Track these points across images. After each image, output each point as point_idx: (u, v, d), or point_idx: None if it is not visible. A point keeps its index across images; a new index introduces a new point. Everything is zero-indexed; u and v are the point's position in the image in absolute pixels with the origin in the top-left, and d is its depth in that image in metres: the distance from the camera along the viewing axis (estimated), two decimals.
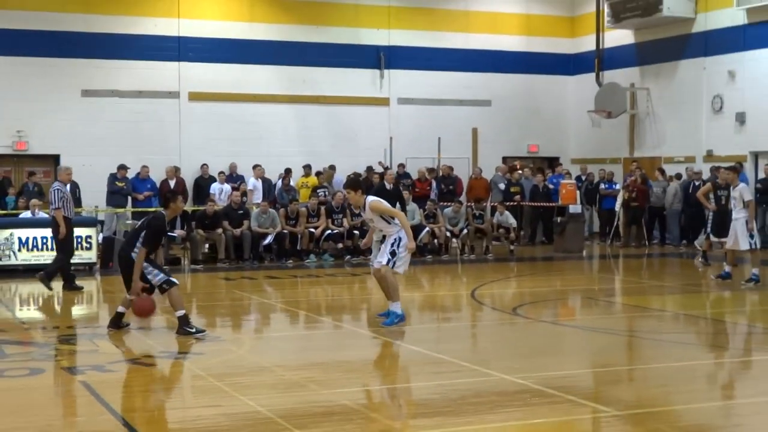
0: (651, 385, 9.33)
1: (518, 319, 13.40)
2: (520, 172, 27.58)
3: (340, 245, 22.02)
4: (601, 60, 29.92)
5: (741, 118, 25.56)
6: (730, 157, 25.27)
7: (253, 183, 25.10)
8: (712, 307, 14.68)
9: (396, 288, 12.38)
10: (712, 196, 18.43)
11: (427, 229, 22.52)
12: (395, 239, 12.27)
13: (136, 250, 11.49)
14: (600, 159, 29.51)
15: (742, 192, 17.07)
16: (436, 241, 23.07)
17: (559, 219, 24.69)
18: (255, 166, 25.41)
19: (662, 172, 26.27)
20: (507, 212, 24.31)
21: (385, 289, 12.49)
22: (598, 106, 28.65)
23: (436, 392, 8.92)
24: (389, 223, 12.37)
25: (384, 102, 28.83)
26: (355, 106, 28.37)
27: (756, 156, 25.41)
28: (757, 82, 25.08)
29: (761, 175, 24.57)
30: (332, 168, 26.27)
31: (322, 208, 22.39)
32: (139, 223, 12.19)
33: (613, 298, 15.76)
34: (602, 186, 27.23)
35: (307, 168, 25.72)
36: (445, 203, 24.53)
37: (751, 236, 16.82)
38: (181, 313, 11.49)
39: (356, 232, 21.99)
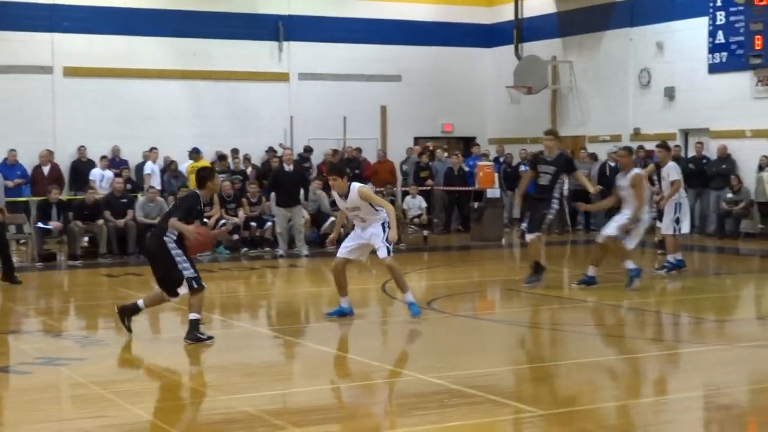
0: (577, 382, 9.52)
1: (433, 313, 13.52)
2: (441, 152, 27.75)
3: (236, 237, 21.91)
4: (520, 31, 30.26)
5: (670, 93, 26.11)
6: (659, 135, 25.77)
7: (150, 167, 24.86)
8: (638, 297, 14.99)
9: (403, 276, 12.95)
10: (656, 177, 18.73)
11: (332, 218, 22.57)
12: (382, 225, 12.53)
13: (169, 234, 11.23)
14: (520, 138, 29.85)
15: (670, 171, 17.24)
16: (343, 230, 23.06)
17: (476, 204, 24.86)
18: (152, 149, 25.24)
19: (594, 155, 26.71)
20: (420, 197, 24.50)
21: (396, 280, 12.79)
22: (518, 81, 28.97)
23: (347, 395, 8.98)
24: (375, 210, 12.59)
25: (284, 77, 28.74)
26: (252, 82, 28.25)
27: (686, 134, 26.00)
28: (687, 54, 25.63)
29: (691, 153, 25.14)
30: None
31: (215, 195, 22.20)
32: (171, 207, 11.94)
33: (535, 289, 15.97)
34: (522, 168, 27.56)
35: (196, 152, 25.53)
36: None
37: (677, 221, 17.06)
38: (194, 317, 11.32)
39: (253, 223, 21.91)
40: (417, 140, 29.94)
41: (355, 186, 12.56)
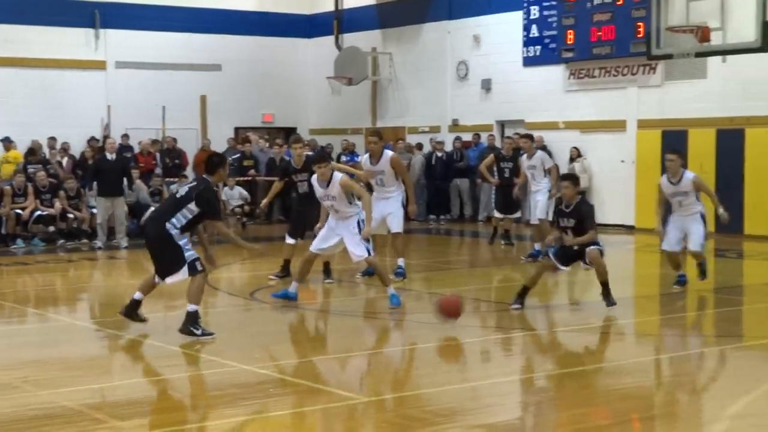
0: (400, 368, 9.68)
1: (256, 304, 13.50)
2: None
3: (52, 228, 21.33)
4: (340, 22, 30.42)
5: (486, 86, 26.70)
6: (476, 127, 26.42)
7: None
8: (463, 284, 15.29)
9: (386, 272, 13.17)
10: (495, 169, 19.10)
11: (153, 208, 22.22)
12: (357, 223, 12.56)
13: (173, 222, 10.65)
14: (341, 129, 30.04)
15: (543, 159, 17.57)
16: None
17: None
18: None
19: (420, 145, 27.06)
20: (238, 187, 24.42)
21: (380, 276, 12.83)
22: (338, 72, 29.11)
23: (172, 387, 8.89)
24: (350, 203, 12.58)
25: (100, 65, 28.14)
26: (67, 70, 27.54)
27: (502, 125, 26.63)
28: (503, 48, 26.24)
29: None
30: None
31: (30, 186, 21.56)
32: (178, 193, 11.05)
33: (356, 277, 16.11)
34: (343, 158, 27.73)
35: (7, 141, 24.68)
36: (171, 179, 24.25)
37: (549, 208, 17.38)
38: (193, 308, 10.75)
39: (70, 215, 21.36)
40: (237, 130, 29.78)
41: (337, 176, 12.57)
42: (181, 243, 10.69)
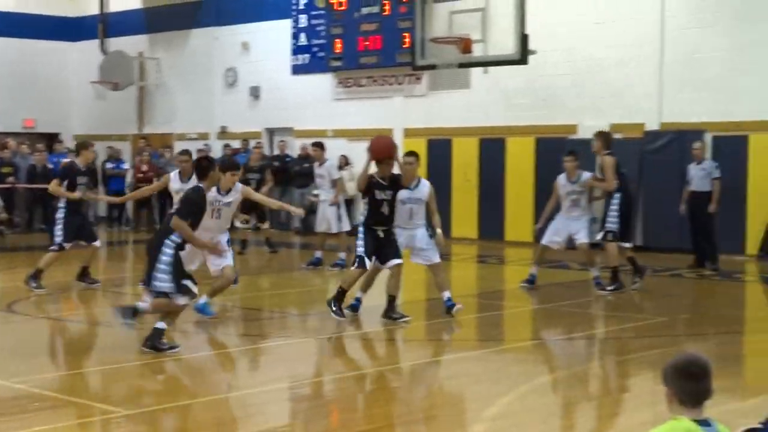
0: (162, 380, 9.52)
1: (15, 316, 13.02)
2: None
3: None
4: (106, 26, 29.77)
5: (255, 93, 26.66)
6: (245, 134, 26.35)
7: None
8: (228, 293, 15.19)
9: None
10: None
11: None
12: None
13: (171, 238, 9.94)
14: (106, 135, 29.34)
15: (330, 170, 17.54)
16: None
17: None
18: None
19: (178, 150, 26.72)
20: None
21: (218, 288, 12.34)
22: (103, 77, 28.51)
23: None
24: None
25: None
26: None
27: (271, 132, 26.64)
28: (272, 55, 26.28)
29: (276, 152, 25.77)
30: None
31: None
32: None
33: (122, 288, 15.79)
34: (108, 165, 27.13)
35: None
36: None
37: (340, 218, 17.38)
38: (161, 326, 10.09)
39: None
40: None
41: (239, 186, 12.10)
42: (160, 266, 10.19)
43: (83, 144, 15.40)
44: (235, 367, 10.45)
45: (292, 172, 24.87)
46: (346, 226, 17.56)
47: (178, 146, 27.16)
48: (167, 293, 10.05)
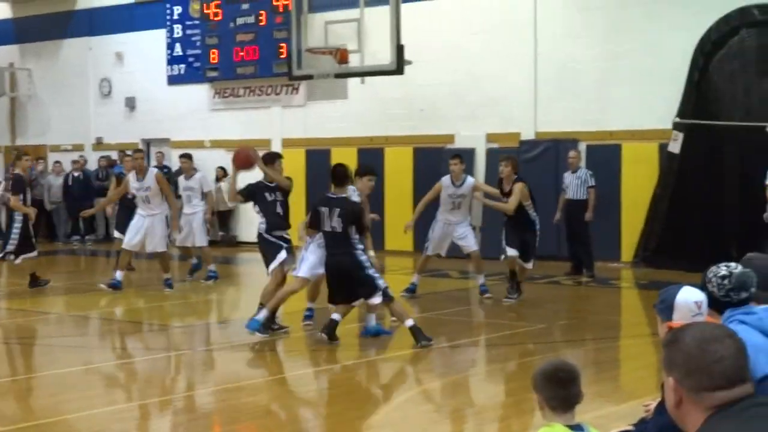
0: (41, 395, 9.33)
1: None
2: None
3: None
4: None
5: (131, 104, 26.31)
6: (121, 145, 25.93)
7: None
8: (107, 306, 14.97)
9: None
10: None
11: None
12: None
13: None
14: None
15: (202, 182, 17.18)
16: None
17: None
18: None
19: (59, 164, 26.20)
20: None
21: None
22: None
23: None
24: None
25: None
26: None
27: (148, 143, 26.31)
28: (147, 65, 25.96)
29: (153, 163, 25.44)
30: None
31: None
32: None
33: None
34: None
35: None
36: None
37: (207, 231, 17.13)
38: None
39: None
40: None
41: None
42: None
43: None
44: (115, 381, 10.27)
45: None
46: (206, 240, 17.18)
47: (52, 158, 26.71)
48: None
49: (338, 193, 11.22)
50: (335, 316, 11.11)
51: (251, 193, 12.39)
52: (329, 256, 11.10)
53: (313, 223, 11.24)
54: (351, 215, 10.95)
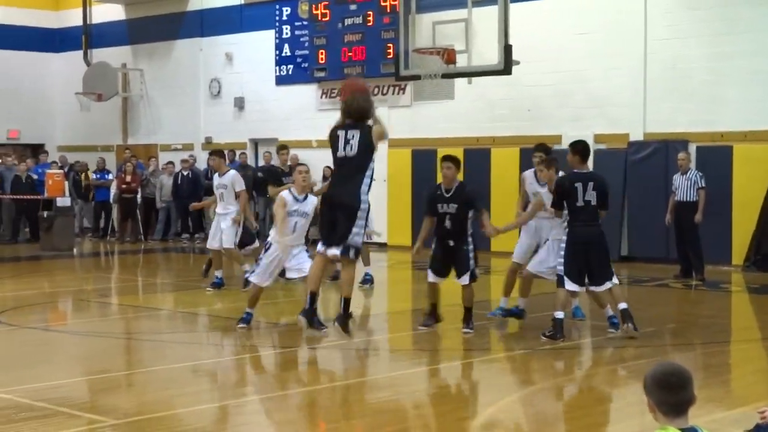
0: (151, 390, 9.48)
1: (0, 327, 12.96)
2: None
3: None
4: (89, 37, 29.71)
5: (240, 104, 26.64)
6: (230, 144, 26.28)
7: None
8: (210, 303, 15.16)
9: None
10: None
11: None
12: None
13: None
14: (91, 146, 29.30)
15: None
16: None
17: (45, 213, 24.10)
18: None
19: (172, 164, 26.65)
20: None
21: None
22: (87, 88, 28.42)
23: None
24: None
25: None
26: None
27: (256, 144, 26.61)
28: (255, 66, 26.27)
29: (261, 162, 25.74)
30: None
31: None
32: None
33: (108, 298, 15.75)
34: (94, 176, 27.03)
35: None
36: None
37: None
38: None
39: None
40: None
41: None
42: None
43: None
44: (221, 378, 10.40)
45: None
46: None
47: (163, 157, 27.18)
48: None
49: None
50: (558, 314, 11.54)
51: None
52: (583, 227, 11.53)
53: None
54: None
